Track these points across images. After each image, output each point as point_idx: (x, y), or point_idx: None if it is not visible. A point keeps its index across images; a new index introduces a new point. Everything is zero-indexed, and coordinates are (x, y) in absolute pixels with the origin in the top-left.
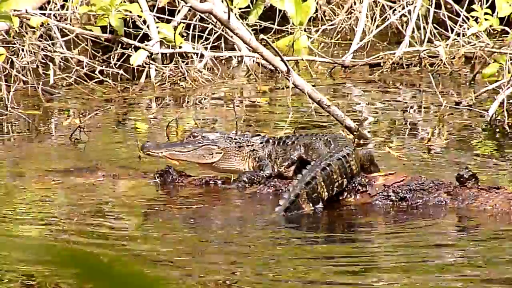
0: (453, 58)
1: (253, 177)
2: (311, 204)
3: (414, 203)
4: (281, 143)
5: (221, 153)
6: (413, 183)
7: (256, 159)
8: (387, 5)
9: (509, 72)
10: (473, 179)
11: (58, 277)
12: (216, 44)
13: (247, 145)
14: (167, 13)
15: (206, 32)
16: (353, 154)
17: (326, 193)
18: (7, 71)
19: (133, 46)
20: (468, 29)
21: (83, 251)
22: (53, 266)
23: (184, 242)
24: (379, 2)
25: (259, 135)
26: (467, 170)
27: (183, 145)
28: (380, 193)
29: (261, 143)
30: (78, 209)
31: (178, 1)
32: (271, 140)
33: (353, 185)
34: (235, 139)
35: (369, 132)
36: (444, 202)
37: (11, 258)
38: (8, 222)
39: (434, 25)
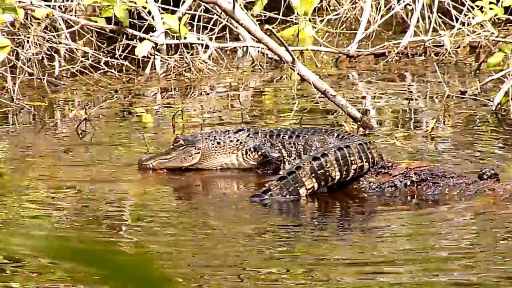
0: (458, 47)
1: (265, 166)
2: (314, 181)
3: (433, 186)
4: (273, 136)
5: (199, 152)
6: (436, 169)
7: (250, 150)
8: None
9: None
10: (494, 178)
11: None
12: (221, 34)
13: (230, 141)
14: (172, 4)
15: (211, 23)
16: (373, 145)
17: (339, 174)
18: (12, 63)
19: (138, 37)
20: (473, 18)
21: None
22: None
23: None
24: None
25: (243, 129)
26: (490, 168)
27: (167, 152)
28: (401, 174)
29: (248, 136)
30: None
31: None
32: (260, 133)
33: (376, 167)
34: (214, 137)
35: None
36: (463, 187)
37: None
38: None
39: (439, 14)
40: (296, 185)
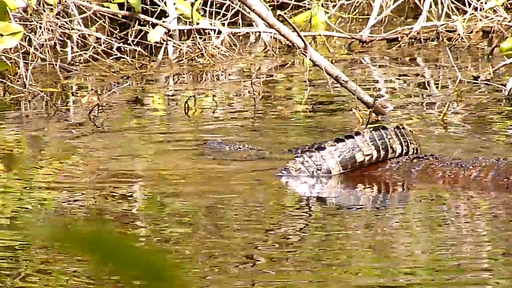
0: (471, 32)
1: None
2: (373, 149)
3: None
4: None
5: None
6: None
7: None
8: None
9: None
10: None
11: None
12: (233, 20)
13: None
14: None
15: (224, 8)
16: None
17: (400, 148)
18: (25, 49)
19: (150, 23)
20: (485, 3)
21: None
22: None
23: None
24: None
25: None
26: None
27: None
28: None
29: None
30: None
31: None
32: None
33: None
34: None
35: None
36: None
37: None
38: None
39: None
40: (353, 150)
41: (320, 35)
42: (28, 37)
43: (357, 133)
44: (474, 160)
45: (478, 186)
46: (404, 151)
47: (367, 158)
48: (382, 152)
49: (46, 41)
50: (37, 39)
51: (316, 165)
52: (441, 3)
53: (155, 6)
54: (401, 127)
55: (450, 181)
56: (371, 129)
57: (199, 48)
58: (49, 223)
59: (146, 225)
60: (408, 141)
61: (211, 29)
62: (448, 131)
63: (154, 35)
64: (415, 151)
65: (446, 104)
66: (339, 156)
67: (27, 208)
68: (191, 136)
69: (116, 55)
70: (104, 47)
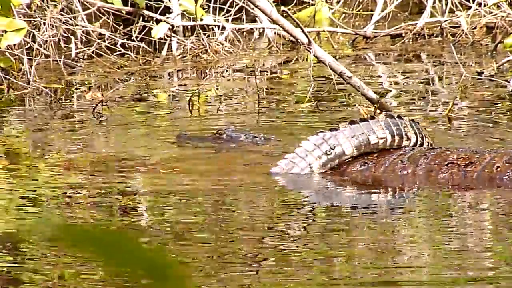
0: (475, 28)
1: None
2: (388, 133)
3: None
4: None
5: None
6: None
7: None
8: None
9: None
10: None
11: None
12: (237, 16)
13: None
14: None
15: (227, 4)
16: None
17: (414, 137)
18: (29, 45)
19: (154, 19)
20: None
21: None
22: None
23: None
24: None
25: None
26: None
27: (206, 142)
28: None
29: None
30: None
31: None
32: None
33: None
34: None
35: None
36: None
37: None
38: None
39: None
40: (368, 132)
41: (324, 31)
42: (32, 33)
43: (372, 117)
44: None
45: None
46: (419, 142)
47: (381, 141)
48: (397, 138)
49: (50, 37)
50: (41, 35)
51: (331, 147)
52: None
53: (159, 2)
54: (416, 120)
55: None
56: (386, 115)
57: (203, 44)
58: (51, 220)
59: (152, 217)
60: (423, 134)
61: (215, 25)
62: (453, 127)
63: (158, 31)
64: (429, 145)
65: (450, 100)
66: (352, 137)
67: (30, 204)
68: (196, 132)
69: (120, 51)
70: (108, 43)
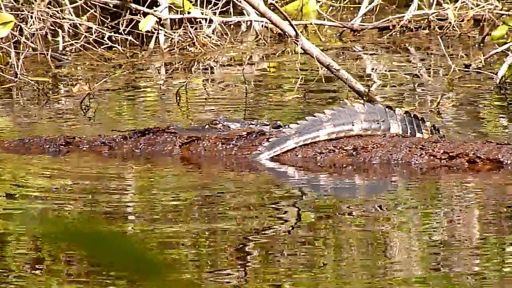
0: (462, 20)
1: None
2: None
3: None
4: None
5: None
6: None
7: None
8: None
9: None
10: None
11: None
12: (224, 9)
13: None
14: None
15: None
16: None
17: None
18: (16, 38)
19: (141, 11)
20: None
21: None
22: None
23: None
24: None
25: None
26: None
27: (201, 132)
28: None
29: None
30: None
31: None
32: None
33: None
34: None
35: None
36: None
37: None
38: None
39: None
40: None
41: (311, 23)
42: (19, 26)
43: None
44: None
45: None
46: (409, 133)
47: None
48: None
49: (37, 31)
50: (28, 28)
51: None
52: None
53: None
54: (413, 113)
55: None
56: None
57: (190, 37)
58: (41, 215)
59: (140, 200)
60: (415, 126)
61: (202, 18)
62: (441, 119)
63: (146, 24)
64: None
65: (439, 93)
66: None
67: (20, 200)
68: (183, 124)
69: (108, 44)
70: (96, 36)
